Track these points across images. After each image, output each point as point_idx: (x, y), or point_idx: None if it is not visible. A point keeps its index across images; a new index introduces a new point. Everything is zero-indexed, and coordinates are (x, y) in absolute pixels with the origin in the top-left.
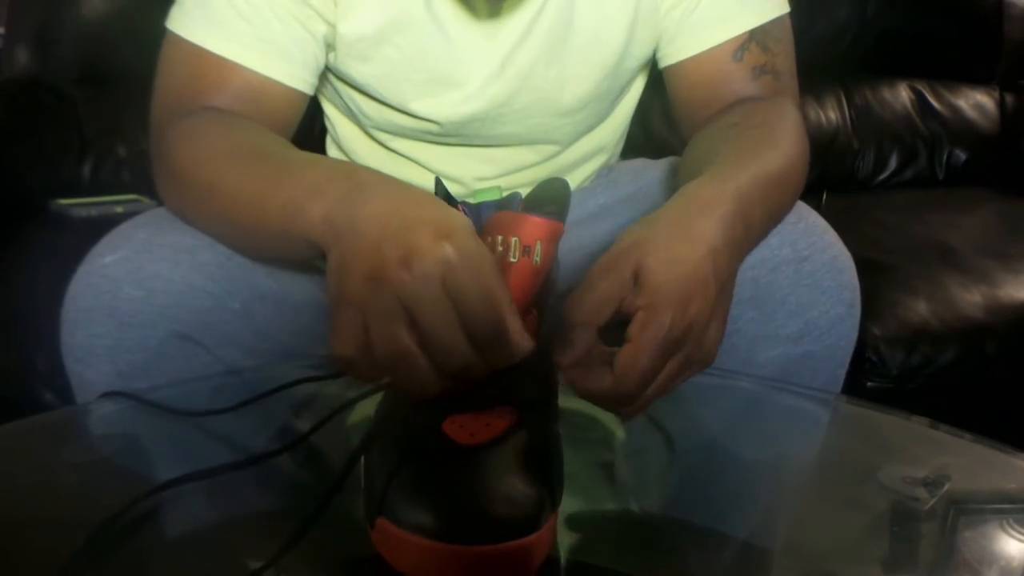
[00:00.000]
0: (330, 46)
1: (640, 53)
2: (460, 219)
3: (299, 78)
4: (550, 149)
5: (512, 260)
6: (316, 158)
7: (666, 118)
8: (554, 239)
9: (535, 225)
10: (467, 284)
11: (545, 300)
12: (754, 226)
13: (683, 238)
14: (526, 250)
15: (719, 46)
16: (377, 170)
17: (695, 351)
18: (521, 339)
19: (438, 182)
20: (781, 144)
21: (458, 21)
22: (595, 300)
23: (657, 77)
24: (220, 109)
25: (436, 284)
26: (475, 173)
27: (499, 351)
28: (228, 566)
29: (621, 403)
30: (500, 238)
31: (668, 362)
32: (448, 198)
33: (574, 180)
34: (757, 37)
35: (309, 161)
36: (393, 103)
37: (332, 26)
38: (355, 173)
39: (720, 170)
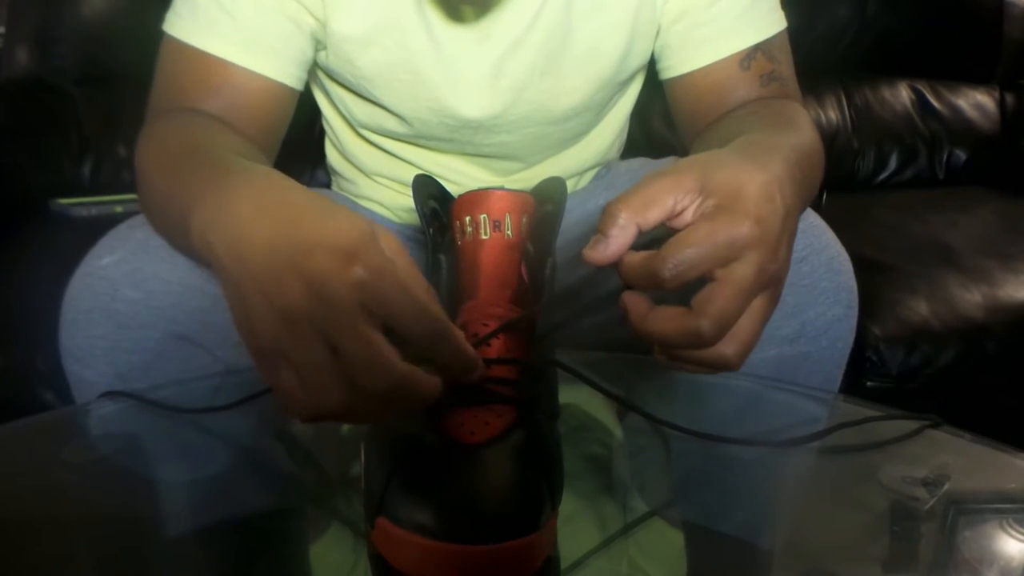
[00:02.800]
0: (321, 42)
1: (634, 67)
2: (356, 227)
3: (285, 72)
4: (540, 156)
5: (484, 237)
6: (225, 157)
7: (666, 118)
8: (524, 211)
9: (501, 199)
10: (392, 298)
11: (539, 297)
12: (801, 191)
13: (749, 163)
14: (496, 224)
15: (726, 58)
16: (254, 168)
17: (768, 264)
18: (470, 352)
19: (417, 180)
20: (804, 128)
21: (448, 25)
22: (646, 196)
23: (657, 78)
24: (200, 111)
25: (352, 310)
26: (470, 176)
27: (452, 359)
28: (228, 566)
29: (706, 340)
30: (468, 219)
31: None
32: (442, 193)
33: (572, 185)
34: (762, 48)
35: (215, 160)
36: (385, 104)
37: (322, 23)
38: (227, 176)
39: (767, 131)
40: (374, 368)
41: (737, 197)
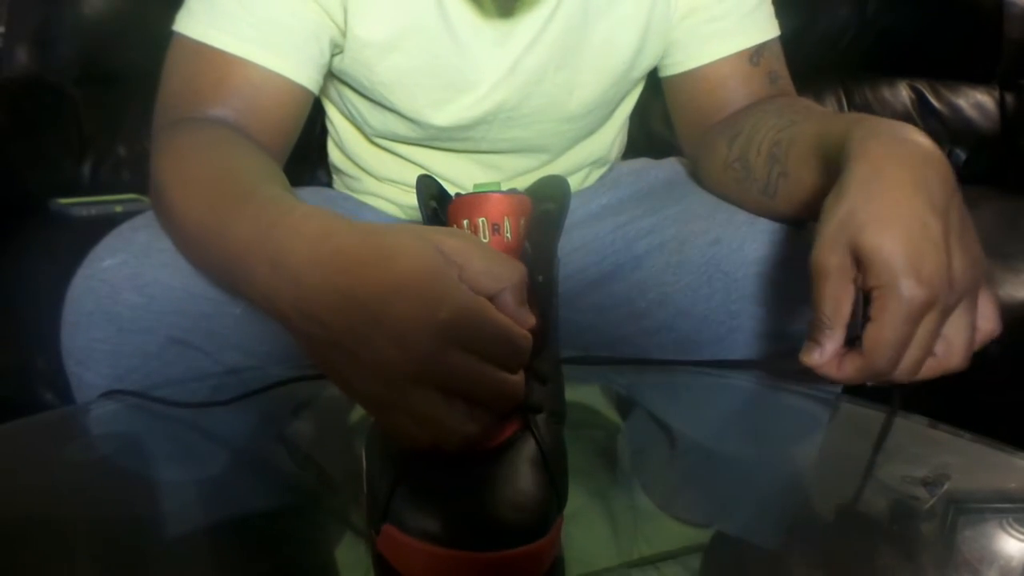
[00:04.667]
0: (338, 47)
1: (647, 63)
2: (423, 265)
3: (303, 74)
4: (550, 155)
5: (483, 241)
6: (263, 195)
7: (666, 118)
8: (522, 213)
9: (499, 202)
10: (479, 334)
11: (547, 301)
12: (930, 172)
13: (884, 195)
14: (495, 228)
15: (734, 55)
16: (296, 210)
17: (949, 298)
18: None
19: (420, 181)
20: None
21: (470, 27)
22: (830, 301)
23: (657, 77)
24: (215, 120)
25: (445, 354)
26: (477, 179)
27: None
28: (228, 567)
29: (880, 378)
30: (466, 222)
31: (921, 325)
32: (442, 193)
33: (575, 184)
34: (768, 47)
35: (252, 198)
36: (399, 110)
37: (341, 29)
38: (274, 228)
39: (854, 129)
40: (482, 391)
41: (889, 270)
